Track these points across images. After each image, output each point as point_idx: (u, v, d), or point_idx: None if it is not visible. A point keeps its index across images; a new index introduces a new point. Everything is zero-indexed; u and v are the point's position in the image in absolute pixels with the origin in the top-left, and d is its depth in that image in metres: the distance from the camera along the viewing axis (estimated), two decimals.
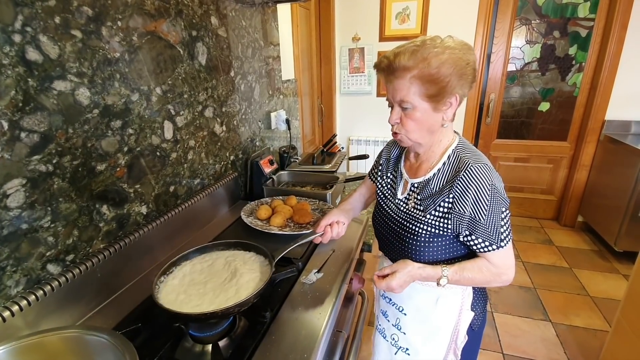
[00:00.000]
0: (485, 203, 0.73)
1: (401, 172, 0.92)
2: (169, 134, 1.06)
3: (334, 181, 1.47)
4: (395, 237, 0.89)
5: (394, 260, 0.92)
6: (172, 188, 1.10)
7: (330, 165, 1.64)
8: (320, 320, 0.78)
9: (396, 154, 0.97)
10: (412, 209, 0.85)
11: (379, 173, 0.99)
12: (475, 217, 0.75)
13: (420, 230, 0.82)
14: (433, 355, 0.94)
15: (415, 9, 2.70)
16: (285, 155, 1.70)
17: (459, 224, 0.77)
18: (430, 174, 0.83)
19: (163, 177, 1.06)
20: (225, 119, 1.36)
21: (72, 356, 0.53)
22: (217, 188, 1.31)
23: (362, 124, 3.17)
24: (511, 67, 2.84)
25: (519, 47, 2.77)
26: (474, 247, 0.79)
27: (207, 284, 0.79)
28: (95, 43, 0.79)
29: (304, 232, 1.05)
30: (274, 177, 1.53)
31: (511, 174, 3.06)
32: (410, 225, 0.84)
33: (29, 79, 0.65)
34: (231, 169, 1.44)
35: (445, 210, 0.78)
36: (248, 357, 0.69)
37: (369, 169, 1.08)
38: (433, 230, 0.81)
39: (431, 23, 2.71)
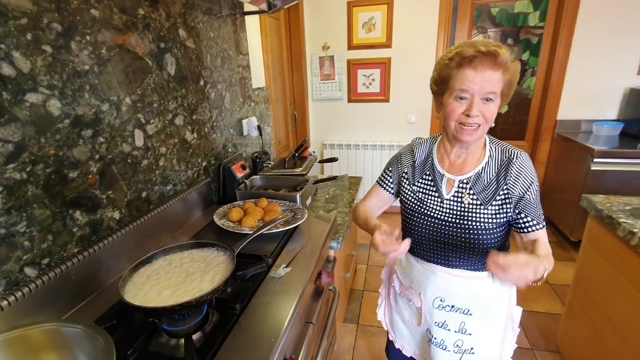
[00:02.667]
0: (535, 184, 0.85)
1: (440, 172, 0.92)
2: (139, 141, 1.11)
3: (304, 183, 1.54)
4: (445, 237, 0.90)
5: (449, 265, 0.93)
6: (144, 194, 1.14)
7: (301, 168, 1.72)
8: (287, 309, 0.85)
9: (422, 158, 0.97)
10: (468, 205, 0.87)
11: (405, 182, 0.98)
12: (529, 198, 0.84)
13: (481, 224, 0.86)
14: (498, 347, 0.98)
15: (381, 19, 2.84)
16: (258, 160, 1.76)
17: (515, 208, 0.85)
18: (479, 167, 0.88)
19: (135, 184, 1.10)
20: (196, 126, 1.41)
21: (52, 347, 0.57)
22: (190, 193, 1.35)
23: (335, 129, 3.28)
24: None
25: None
26: (527, 229, 0.86)
27: (176, 279, 0.84)
28: (65, 57, 0.83)
29: (269, 225, 1.12)
30: (247, 181, 1.59)
31: None
32: (469, 222, 0.87)
33: (3, 93, 0.69)
34: (204, 175, 1.49)
35: (504, 197, 0.85)
36: (218, 345, 0.74)
37: (383, 182, 1.04)
38: (495, 220, 0.86)
39: (396, 32, 2.86)
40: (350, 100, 3.14)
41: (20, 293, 0.72)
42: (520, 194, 0.85)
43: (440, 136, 0.97)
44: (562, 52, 2.68)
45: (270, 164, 1.83)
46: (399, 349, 1.13)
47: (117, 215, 1.03)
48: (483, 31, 2.90)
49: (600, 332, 1.33)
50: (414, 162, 0.97)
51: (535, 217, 0.86)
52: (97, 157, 0.95)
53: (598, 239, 1.37)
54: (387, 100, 3.07)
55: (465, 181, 0.89)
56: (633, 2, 2.47)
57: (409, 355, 1.12)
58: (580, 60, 2.66)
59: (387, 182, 1.03)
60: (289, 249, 1.13)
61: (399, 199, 1.04)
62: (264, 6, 1.73)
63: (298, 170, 1.68)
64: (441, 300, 0.96)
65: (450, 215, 0.89)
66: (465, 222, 0.87)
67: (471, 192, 0.88)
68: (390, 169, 1.03)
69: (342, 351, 1.78)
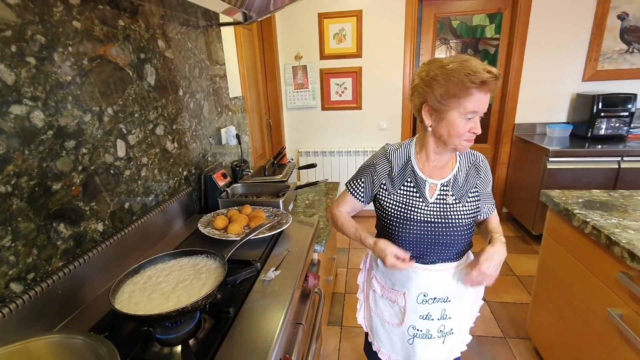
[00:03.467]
0: (491, 179, 1.04)
1: (423, 178, 0.98)
2: (121, 152, 1.10)
3: (286, 189, 1.58)
4: (428, 238, 0.97)
5: (427, 262, 1.01)
6: (127, 205, 1.13)
7: (281, 175, 1.75)
8: (280, 310, 0.88)
9: (401, 165, 1.00)
10: (451, 205, 0.97)
11: (384, 192, 1.01)
12: (490, 191, 1.04)
13: (463, 220, 0.97)
14: (469, 320, 1.12)
15: (351, 30, 2.96)
16: (238, 168, 1.78)
17: (483, 200, 1.01)
18: (455, 170, 0.99)
19: (118, 195, 1.09)
20: (176, 136, 1.41)
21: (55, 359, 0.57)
22: (172, 203, 1.35)
23: (310, 137, 3.34)
24: None
25: None
26: (487, 214, 1.05)
27: (167, 287, 0.84)
28: (48, 68, 0.83)
29: (256, 230, 1.14)
30: (228, 189, 1.60)
31: None
32: (454, 220, 0.96)
33: None
34: (185, 184, 1.49)
35: (476, 194, 1.00)
36: (216, 348, 0.76)
37: (355, 192, 1.07)
38: (472, 214, 0.98)
39: (365, 42, 2.99)
40: (324, 109, 3.22)
41: (7, 309, 0.70)
42: (486, 189, 1.03)
43: (413, 142, 1.02)
44: (517, 61, 2.92)
45: (249, 172, 1.85)
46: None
47: (100, 227, 1.02)
48: (446, 42, 3.10)
49: (563, 315, 1.46)
50: (392, 170, 1.00)
51: (492, 203, 1.06)
52: (80, 168, 0.93)
53: (557, 230, 1.51)
54: (359, 107, 3.18)
55: (445, 184, 0.98)
56: (575, 18, 2.75)
57: (384, 359, 1.16)
58: (533, 68, 2.90)
59: (358, 191, 1.06)
60: (276, 253, 1.16)
61: (375, 205, 1.07)
62: (238, 16, 1.76)
63: (279, 177, 1.72)
64: (424, 295, 1.03)
65: (435, 217, 0.96)
66: (449, 221, 0.96)
67: (451, 193, 0.98)
68: (362, 179, 1.05)
69: (328, 353, 1.81)
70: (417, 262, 1.01)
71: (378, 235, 1.10)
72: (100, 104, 1.00)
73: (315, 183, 1.50)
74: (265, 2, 1.61)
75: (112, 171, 1.06)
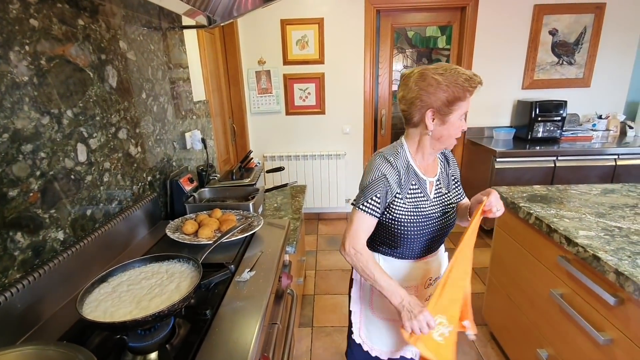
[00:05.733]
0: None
1: (424, 178, 1.03)
2: (82, 156, 1.05)
3: (255, 192, 1.58)
4: (438, 230, 1.05)
5: (426, 254, 1.09)
6: (89, 212, 1.08)
7: (249, 179, 1.75)
8: (257, 310, 0.89)
9: (404, 170, 1.00)
10: (445, 195, 1.06)
11: (399, 200, 0.99)
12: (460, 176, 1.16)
13: (455, 206, 1.08)
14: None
15: (313, 37, 3.03)
16: (204, 173, 1.75)
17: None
18: (439, 165, 1.08)
19: (79, 201, 1.03)
20: (139, 140, 1.37)
21: None
22: (137, 209, 1.30)
23: (275, 141, 3.35)
24: (395, 87, 3.37)
25: (399, 70, 3.33)
26: (463, 196, 1.14)
27: (138, 294, 0.81)
28: (3, 68, 0.78)
29: (229, 233, 1.14)
30: (195, 194, 1.57)
31: None
32: (449, 209, 1.06)
33: None
34: (149, 190, 1.44)
35: (455, 180, 1.11)
36: (195, 350, 0.75)
37: (373, 211, 0.98)
38: (459, 199, 1.11)
39: (327, 49, 3.08)
40: (288, 113, 3.24)
41: None
42: (458, 174, 1.14)
43: (406, 146, 1.03)
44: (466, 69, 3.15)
45: (217, 176, 1.83)
46: (367, 351, 1.14)
47: (61, 235, 0.96)
48: (402, 51, 3.28)
49: (513, 298, 1.61)
50: (400, 177, 0.99)
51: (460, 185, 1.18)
52: (38, 173, 0.88)
53: (506, 223, 1.66)
54: (323, 112, 3.25)
55: (437, 178, 1.07)
56: (514, 32, 3.05)
57: (385, 358, 1.14)
58: (481, 76, 3.16)
59: (376, 208, 0.98)
60: (249, 254, 1.16)
61: (388, 216, 1.02)
62: (200, 19, 1.75)
63: (247, 181, 1.71)
64: (429, 279, 1.12)
65: (437, 211, 1.04)
66: (447, 210, 1.06)
67: (442, 185, 1.07)
68: (377, 194, 0.97)
69: (300, 354, 1.83)
70: (426, 255, 1.09)
71: (374, 244, 1.09)
72: (59, 106, 0.95)
73: (285, 185, 1.52)
74: (229, 7, 1.61)
75: (72, 177, 1.01)
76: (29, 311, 0.81)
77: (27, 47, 0.84)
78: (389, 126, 3.44)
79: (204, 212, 1.40)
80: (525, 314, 1.51)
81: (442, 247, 1.17)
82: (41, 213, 0.89)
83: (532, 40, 3.06)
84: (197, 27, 1.78)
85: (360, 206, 0.98)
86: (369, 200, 0.97)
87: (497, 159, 2.79)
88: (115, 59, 1.22)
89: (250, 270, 1.05)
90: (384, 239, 1.07)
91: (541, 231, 1.37)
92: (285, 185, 1.53)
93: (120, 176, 1.24)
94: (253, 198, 1.51)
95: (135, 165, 1.33)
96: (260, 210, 1.60)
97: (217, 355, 0.74)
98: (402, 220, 1.00)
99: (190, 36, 1.91)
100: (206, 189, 1.65)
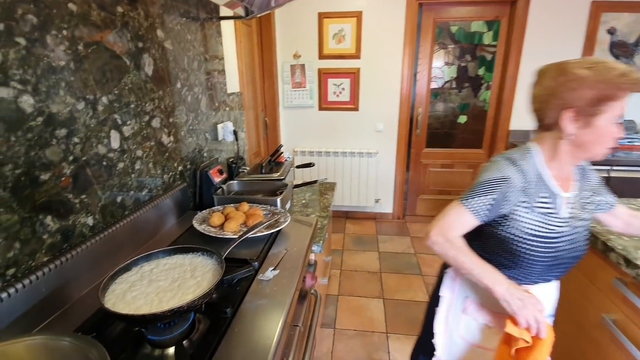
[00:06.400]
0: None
1: (557, 193, 0.88)
2: (115, 143, 1.05)
3: (283, 188, 1.54)
4: (563, 256, 0.89)
5: (551, 280, 0.95)
6: (119, 199, 1.08)
7: (278, 173, 1.71)
8: (280, 311, 0.84)
9: (533, 178, 0.87)
10: (579, 218, 0.90)
11: (523, 210, 0.86)
12: (599, 179, 1.00)
13: (587, 231, 0.93)
14: None
15: (350, 31, 2.94)
16: (234, 165, 1.73)
17: (597, 196, 0.98)
18: (577, 180, 0.94)
19: (110, 188, 1.04)
20: (172, 129, 1.36)
21: None
22: (166, 199, 1.30)
23: (307, 136, 3.31)
24: (434, 85, 3.21)
25: (439, 67, 3.17)
26: (612, 204, 1.01)
27: (161, 286, 0.80)
28: (40, 51, 0.78)
29: (255, 228, 1.09)
30: (224, 186, 1.56)
31: (439, 179, 3.42)
32: (583, 237, 0.91)
33: None
34: (179, 180, 1.44)
35: (589, 200, 0.95)
36: (213, 350, 0.72)
37: (478, 212, 0.86)
38: (590, 225, 0.95)
39: (364, 44, 2.98)
40: (321, 108, 3.19)
41: None
42: (597, 185, 0.99)
43: (539, 152, 0.90)
44: (513, 69, 2.94)
45: (246, 169, 1.81)
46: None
47: (90, 221, 0.97)
48: (444, 47, 3.11)
49: (559, 322, 1.46)
50: (527, 184, 0.86)
51: (609, 191, 1.00)
52: (71, 158, 0.88)
53: None
54: (356, 109, 3.16)
55: (574, 196, 0.91)
56: (568, 30, 2.79)
57: None
58: (529, 76, 2.92)
59: (484, 209, 0.86)
60: (274, 252, 1.12)
61: (499, 227, 0.90)
62: (239, 10, 1.73)
63: (276, 175, 1.68)
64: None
65: (568, 233, 0.88)
66: (579, 235, 0.90)
67: (576, 205, 0.91)
68: (491, 195, 0.85)
69: (321, 356, 1.78)
70: (543, 281, 0.94)
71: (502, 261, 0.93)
72: (94, 92, 0.95)
73: (314, 182, 1.46)
74: None
75: (104, 163, 1.01)
76: (53, 296, 0.81)
77: (64, 32, 0.84)
78: (425, 125, 3.29)
79: (232, 205, 1.38)
80: (572, 338, 1.36)
81: (558, 281, 0.99)
82: (72, 198, 0.90)
83: (588, 39, 2.79)
84: (235, 17, 1.77)
85: (465, 201, 0.87)
86: (477, 200, 0.86)
87: None
88: (152, 47, 1.22)
89: (274, 269, 1.01)
90: (497, 257, 0.92)
91: (596, 249, 1.22)
92: (315, 182, 1.47)
93: (152, 164, 1.24)
94: (281, 193, 1.47)
95: (167, 154, 1.33)
96: (287, 206, 1.56)
97: (235, 356, 0.70)
98: (525, 235, 0.86)
99: (227, 27, 1.90)
100: (235, 181, 1.63)
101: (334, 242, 2.89)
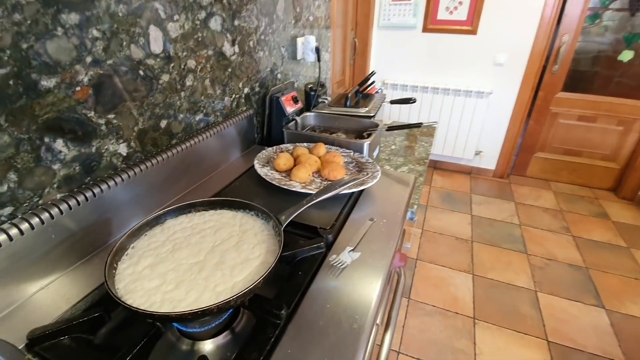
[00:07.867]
0: None
1: None
2: (157, 46, 0.76)
3: (373, 128, 1.16)
4: None
5: None
6: (163, 123, 0.83)
7: (367, 108, 1.32)
8: (361, 316, 0.54)
9: None
10: None
11: None
12: None
13: None
14: None
15: None
16: (313, 93, 1.38)
17: None
18: None
19: (150, 107, 0.78)
20: (238, 36, 1.04)
21: None
22: (226, 127, 1.03)
23: (402, 66, 2.73)
24: (593, 3, 2.26)
25: None
26: None
27: (197, 255, 0.56)
28: None
29: (334, 190, 0.77)
30: (298, 118, 1.24)
31: (570, 135, 2.63)
32: None
33: None
34: (245, 105, 1.15)
35: None
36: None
37: None
38: None
39: None
40: (425, 30, 2.53)
41: None
42: None
43: None
44: None
45: (327, 99, 1.45)
46: None
47: (123, 149, 0.74)
48: None
49: None
50: None
51: None
52: (89, 60, 0.62)
53: None
54: (473, 32, 2.43)
55: None
56: None
57: None
58: None
59: None
60: (354, 219, 0.80)
61: None
62: None
63: (363, 111, 1.29)
64: None
65: None
66: None
67: None
68: None
69: (414, 333, 1.54)
70: None
71: None
72: None
73: (418, 125, 1.04)
74: None
75: (141, 72, 0.74)
76: (66, 245, 0.62)
77: None
78: (567, 61, 2.42)
79: (304, 144, 1.06)
80: None
81: None
82: (94, 117, 0.66)
83: None
84: None
85: None
86: None
87: None
88: None
89: (353, 250, 0.69)
90: None
91: None
92: (419, 125, 1.05)
93: (209, 82, 0.96)
94: (369, 136, 1.09)
95: (229, 70, 1.03)
96: (375, 152, 1.19)
97: None
98: None
99: None
100: (312, 113, 1.29)
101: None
